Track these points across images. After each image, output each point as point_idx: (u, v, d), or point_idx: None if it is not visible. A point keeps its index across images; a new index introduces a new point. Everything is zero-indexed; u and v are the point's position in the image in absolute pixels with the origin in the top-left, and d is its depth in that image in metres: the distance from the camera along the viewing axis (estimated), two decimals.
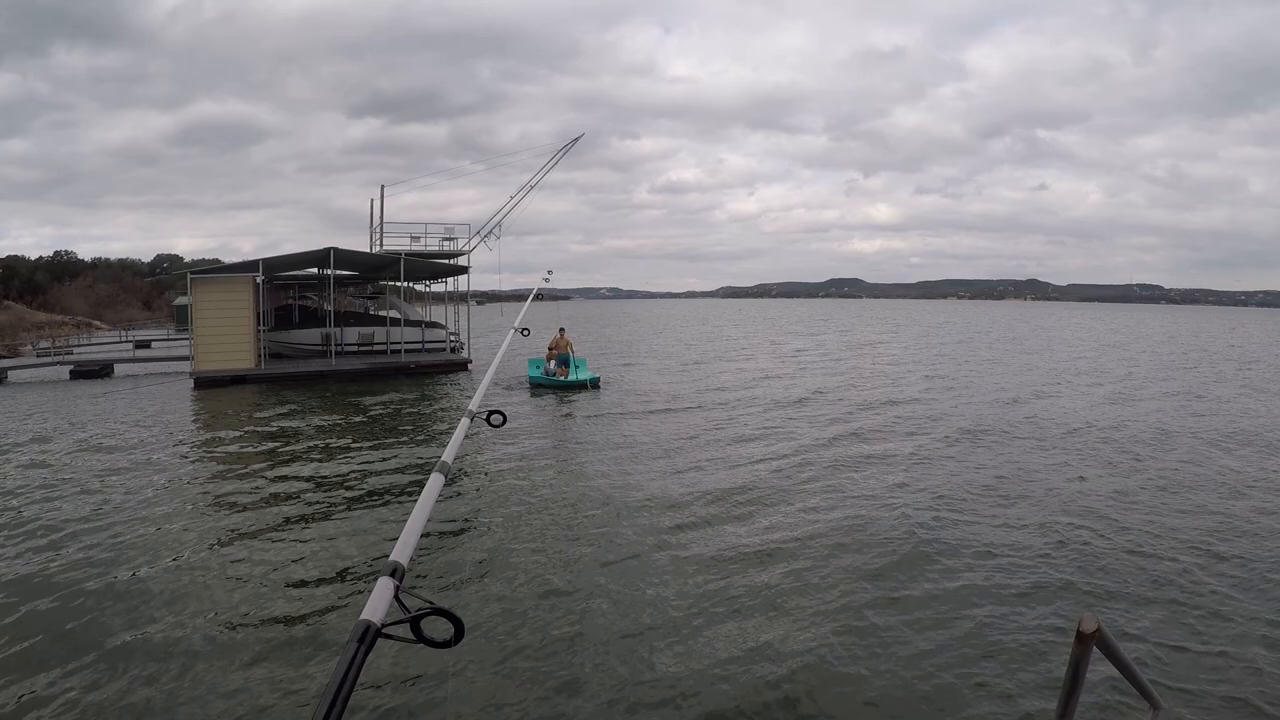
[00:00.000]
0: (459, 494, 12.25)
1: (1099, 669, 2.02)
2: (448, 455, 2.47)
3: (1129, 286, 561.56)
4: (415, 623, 1.60)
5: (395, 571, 1.67)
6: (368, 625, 1.47)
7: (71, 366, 33.36)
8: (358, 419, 19.74)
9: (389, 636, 1.50)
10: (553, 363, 26.58)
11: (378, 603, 1.54)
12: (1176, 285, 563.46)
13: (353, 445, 16.49)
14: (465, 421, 2.95)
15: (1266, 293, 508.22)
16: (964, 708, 6.16)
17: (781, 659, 6.83)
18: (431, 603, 1.60)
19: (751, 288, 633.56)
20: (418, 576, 8.55)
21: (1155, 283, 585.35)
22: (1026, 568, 9.03)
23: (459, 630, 1.62)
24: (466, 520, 10.85)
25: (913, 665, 6.78)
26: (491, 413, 3.30)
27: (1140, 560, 9.28)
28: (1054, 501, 11.94)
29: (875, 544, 9.88)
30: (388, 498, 12.20)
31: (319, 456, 15.32)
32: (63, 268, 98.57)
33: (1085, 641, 2.11)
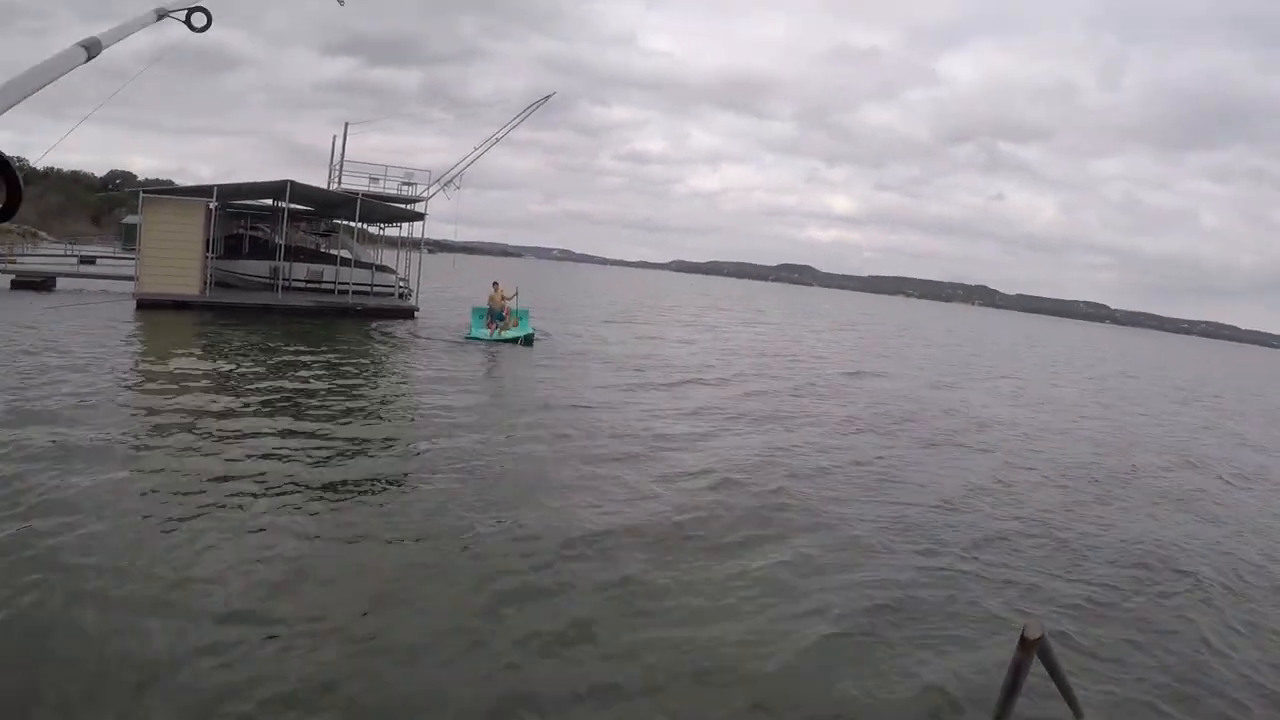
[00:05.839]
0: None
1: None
2: (108, 38, 2.26)
3: (1076, 303, 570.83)
4: None
5: None
6: None
7: (13, 276, 32.92)
8: (297, 361, 19.89)
9: None
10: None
11: None
12: (1122, 307, 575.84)
13: (282, 382, 16.87)
14: (152, 15, 2.87)
15: (1209, 323, 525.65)
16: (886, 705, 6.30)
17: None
18: None
19: (704, 264, 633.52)
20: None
21: (1102, 302, 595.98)
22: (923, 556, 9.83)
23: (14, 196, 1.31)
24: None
25: (824, 646, 7.01)
26: (192, 10, 3.20)
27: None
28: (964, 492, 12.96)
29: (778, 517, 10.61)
30: (303, 443, 12.52)
31: (247, 389, 15.77)
32: None
33: (1028, 648, 2.19)
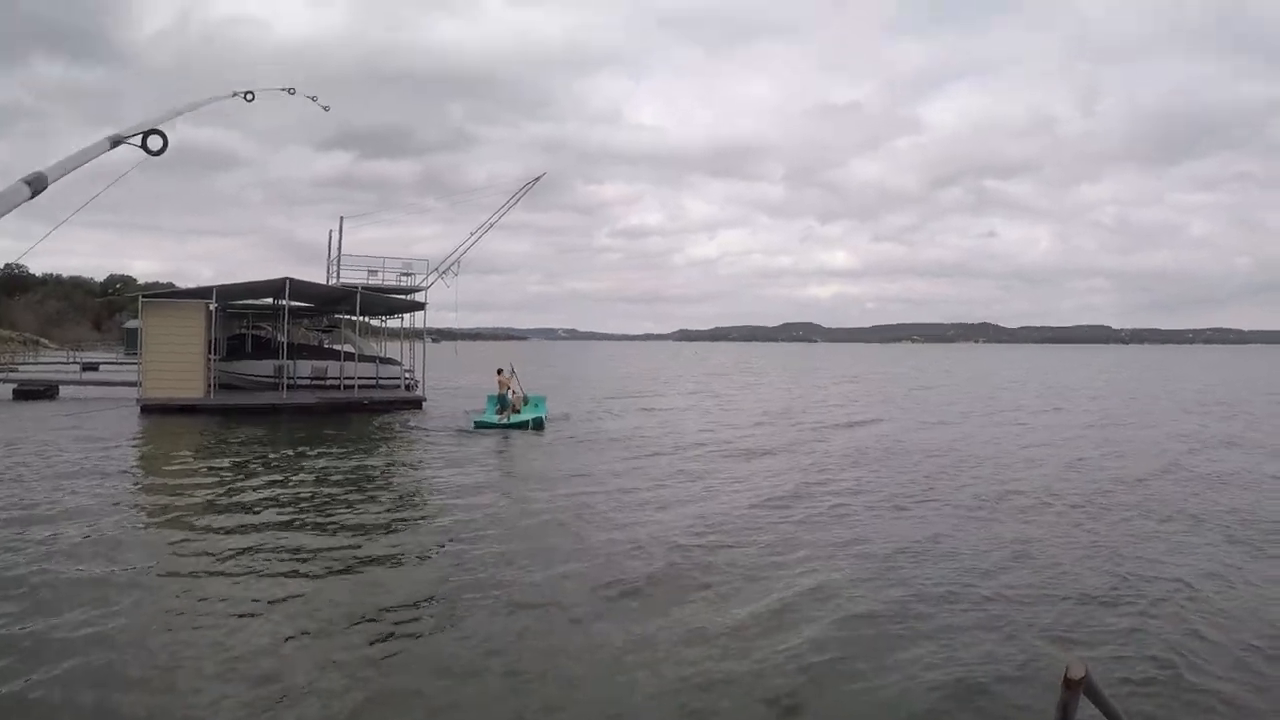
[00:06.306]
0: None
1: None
2: (54, 171, 2.37)
3: (1079, 328, 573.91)
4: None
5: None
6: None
7: (15, 385, 32.80)
8: (305, 459, 19.56)
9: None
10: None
11: None
12: (1126, 325, 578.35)
13: (294, 490, 16.10)
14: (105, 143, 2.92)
15: (1213, 329, 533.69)
16: None
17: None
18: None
19: (708, 331, 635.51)
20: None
21: (1105, 323, 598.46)
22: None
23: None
24: None
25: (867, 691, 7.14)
26: (148, 134, 3.25)
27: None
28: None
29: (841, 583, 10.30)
30: (319, 550, 11.70)
31: (259, 499, 15.04)
32: (13, 282, 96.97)
33: (1074, 688, 2.10)
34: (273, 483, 16.42)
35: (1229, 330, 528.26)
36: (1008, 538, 12.45)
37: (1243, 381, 63.74)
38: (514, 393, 27.50)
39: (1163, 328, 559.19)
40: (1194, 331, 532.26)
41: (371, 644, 7.98)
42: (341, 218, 37.01)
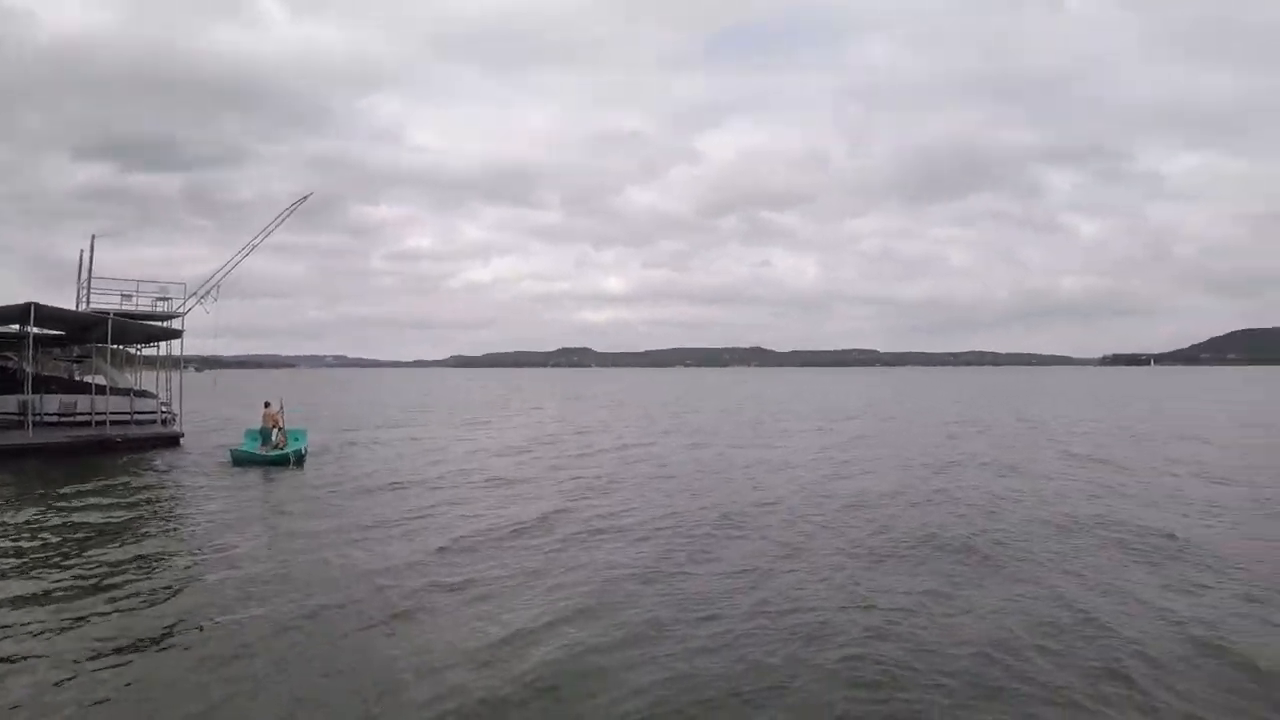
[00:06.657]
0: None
1: None
2: None
3: (847, 351, 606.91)
4: None
5: None
6: None
7: None
8: (46, 507, 18.24)
9: None
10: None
11: None
12: (890, 349, 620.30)
13: (29, 545, 14.70)
14: None
15: (972, 352, 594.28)
16: None
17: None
18: None
19: (481, 356, 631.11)
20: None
21: (871, 347, 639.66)
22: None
23: None
24: None
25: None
26: None
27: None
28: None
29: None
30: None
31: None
32: None
33: None
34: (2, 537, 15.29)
35: (986, 353, 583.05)
36: (759, 557, 13.53)
37: (996, 401, 70.27)
38: (279, 429, 27.31)
39: (925, 350, 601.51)
40: (954, 354, 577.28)
41: (128, 686, 8.09)
42: (94, 236, 34.91)
